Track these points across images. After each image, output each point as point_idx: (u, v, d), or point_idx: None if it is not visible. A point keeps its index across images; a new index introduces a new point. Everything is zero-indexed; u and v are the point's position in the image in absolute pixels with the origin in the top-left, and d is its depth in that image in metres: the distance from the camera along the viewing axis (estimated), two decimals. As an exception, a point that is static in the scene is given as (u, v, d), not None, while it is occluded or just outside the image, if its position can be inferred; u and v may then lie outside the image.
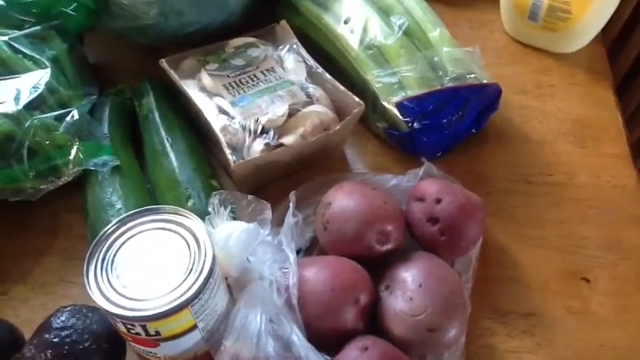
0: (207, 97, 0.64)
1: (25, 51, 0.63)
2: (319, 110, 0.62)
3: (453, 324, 0.50)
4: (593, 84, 0.76)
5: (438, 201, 0.55)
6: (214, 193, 0.53)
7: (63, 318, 0.50)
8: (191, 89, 0.64)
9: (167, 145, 0.62)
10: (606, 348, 0.54)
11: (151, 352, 0.46)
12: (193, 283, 0.43)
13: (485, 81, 0.65)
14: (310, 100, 0.63)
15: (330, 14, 0.71)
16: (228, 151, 0.58)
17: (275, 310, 0.49)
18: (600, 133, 0.71)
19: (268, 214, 0.53)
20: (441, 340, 0.50)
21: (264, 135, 0.60)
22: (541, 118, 0.72)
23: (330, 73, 0.65)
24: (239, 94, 0.63)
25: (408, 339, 0.50)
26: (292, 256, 0.51)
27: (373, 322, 0.52)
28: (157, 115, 0.65)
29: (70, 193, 0.62)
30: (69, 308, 0.51)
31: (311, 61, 0.67)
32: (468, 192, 0.57)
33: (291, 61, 0.67)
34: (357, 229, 0.54)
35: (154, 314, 0.42)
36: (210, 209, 0.52)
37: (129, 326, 0.43)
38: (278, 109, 0.61)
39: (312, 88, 0.64)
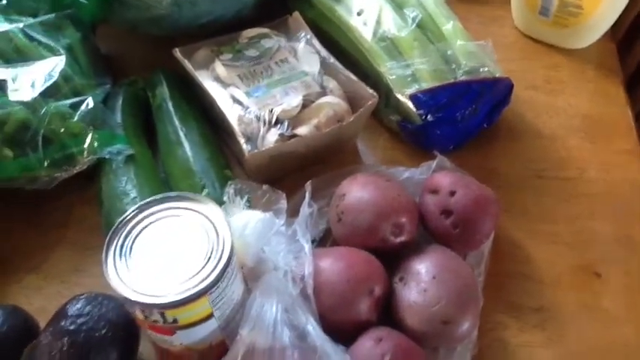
0: (222, 87, 0.64)
1: (40, 38, 0.63)
2: (333, 101, 0.62)
3: (467, 317, 0.50)
4: (603, 80, 0.76)
5: (452, 193, 0.55)
6: (229, 182, 0.53)
7: (79, 305, 0.50)
8: (205, 79, 0.64)
9: (181, 134, 0.62)
10: (617, 344, 0.54)
11: (167, 340, 0.46)
12: (212, 271, 0.43)
13: (497, 75, 0.65)
14: (324, 92, 0.63)
15: (342, 6, 0.71)
16: (242, 141, 0.58)
17: (290, 300, 0.49)
18: (611, 129, 0.71)
19: (283, 203, 0.53)
20: (455, 333, 0.50)
21: (279, 125, 0.60)
22: (552, 113, 0.72)
23: (343, 66, 0.65)
24: (253, 84, 0.63)
25: (422, 331, 0.50)
26: (307, 247, 0.52)
27: (387, 313, 0.52)
28: (170, 104, 0.65)
29: (83, 185, 0.63)
30: (84, 296, 0.51)
31: (324, 53, 0.67)
32: (482, 185, 0.57)
33: (305, 53, 0.67)
34: (371, 221, 0.54)
35: (172, 301, 0.42)
36: (225, 199, 0.52)
37: (147, 313, 0.43)
38: (292, 100, 0.61)
39: (325, 80, 0.64)
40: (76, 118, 0.60)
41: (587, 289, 0.57)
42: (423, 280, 0.51)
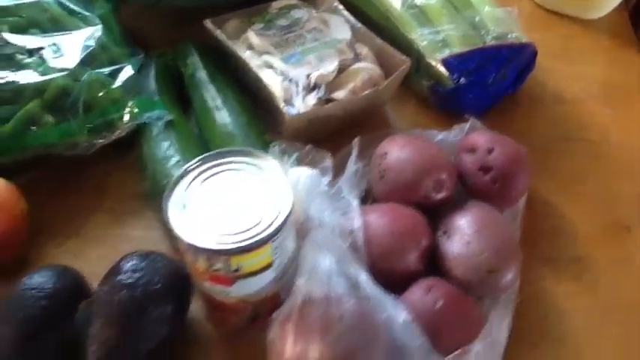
0: (256, 55, 0.65)
1: (75, 8, 0.64)
2: (368, 66, 0.63)
3: (510, 267, 0.52)
4: (619, 48, 0.79)
5: (490, 151, 0.57)
6: (273, 143, 0.54)
7: (133, 262, 0.50)
8: (238, 49, 0.65)
9: (218, 101, 0.63)
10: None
11: (224, 292, 0.48)
12: (275, 219, 0.44)
13: (524, 41, 0.67)
14: (357, 58, 0.65)
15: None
16: (282, 104, 0.59)
17: (340, 253, 0.50)
18: (629, 94, 0.73)
19: (329, 162, 0.55)
20: (499, 282, 0.52)
21: (316, 90, 0.61)
22: (571, 80, 0.74)
23: (372, 34, 0.67)
24: (287, 52, 0.64)
25: (468, 280, 0.52)
26: (355, 202, 0.53)
27: (432, 266, 0.54)
28: (204, 73, 0.66)
29: (120, 153, 0.63)
30: (137, 253, 0.52)
31: (353, 20, 0.68)
32: (516, 143, 0.59)
33: (335, 22, 0.68)
34: (413, 178, 0.55)
35: (239, 247, 0.43)
36: (271, 159, 0.53)
37: (211, 262, 0.44)
38: (328, 65, 0.62)
39: (357, 47, 0.66)
40: (115, 85, 0.61)
41: (618, 243, 0.60)
42: (466, 233, 0.53)
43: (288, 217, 0.45)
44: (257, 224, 0.44)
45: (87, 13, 0.64)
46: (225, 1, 0.73)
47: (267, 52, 0.65)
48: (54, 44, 0.61)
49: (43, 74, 0.59)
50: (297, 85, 0.61)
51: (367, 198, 0.60)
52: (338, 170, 0.56)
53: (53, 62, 0.60)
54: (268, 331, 0.48)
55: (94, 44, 0.62)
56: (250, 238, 0.43)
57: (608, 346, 0.53)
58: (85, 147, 0.60)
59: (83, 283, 0.53)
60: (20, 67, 0.59)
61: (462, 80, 0.63)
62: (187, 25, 0.70)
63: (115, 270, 0.50)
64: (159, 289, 0.49)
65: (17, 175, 0.59)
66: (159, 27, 0.80)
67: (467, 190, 0.59)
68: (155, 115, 0.61)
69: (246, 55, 0.65)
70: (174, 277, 0.51)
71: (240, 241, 0.43)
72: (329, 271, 0.49)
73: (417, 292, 0.50)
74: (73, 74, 0.60)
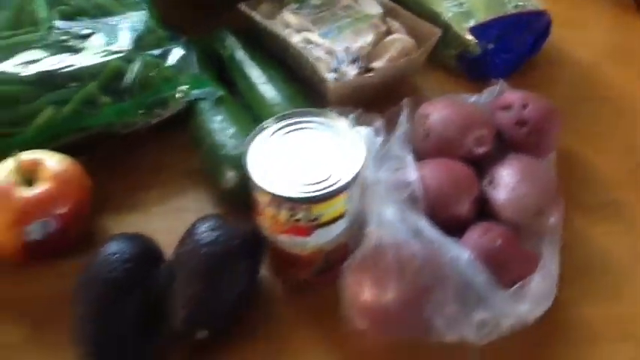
0: (294, 33, 0.69)
1: (116, -5, 0.67)
2: (401, 37, 0.68)
3: (553, 209, 0.56)
4: (621, 15, 0.84)
5: (525, 106, 0.61)
6: (327, 108, 0.58)
7: (209, 223, 0.53)
8: (276, 28, 0.69)
9: (262, 77, 0.66)
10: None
11: (302, 243, 0.51)
12: (350, 170, 0.48)
13: (540, 8, 0.72)
14: (389, 31, 0.69)
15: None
16: (326, 74, 0.63)
17: (400, 204, 0.54)
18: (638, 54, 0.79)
19: (379, 123, 0.58)
20: (545, 223, 0.56)
21: (356, 62, 0.65)
22: (584, 45, 0.79)
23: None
24: (325, 28, 0.68)
25: (516, 222, 0.56)
26: (409, 156, 0.57)
27: (481, 214, 0.58)
28: (243, 52, 0.70)
29: (170, 132, 0.66)
30: (209, 216, 0.55)
31: (382, -3, 0.72)
32: (546, 99, 0.63)
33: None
34: (457, 135, 0.60)
35: (321, 194, 0.47)
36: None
37: (294, 211, 0.48)
38: (365, 38, 0.66)
39: (388, 20, 0.70)
40: (166, 65, 0.64)
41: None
42: (511, 181, 0.57)
43: (361, 168, 0.48)
44: (333, 175, 0.48)
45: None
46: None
47: (306, 30, 0.68)
48: (104, 29, 0.64)
49: (97, 58, 0.62)
50: (338, 58, 0.65)
51: (411, 157, 0.64)
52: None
53: (106, 46, 0.63)
54: (341, 277, 0.52)
55: (142, 28, 0.65)
56: (329, 186, 0.47)
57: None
58: (141, 125, 0.63)
59: (156, 247, 0.56)
60: (75, 51, 0.62)
61: (490, 46, 0.68)
62: (216, 14, 0.73)
63: (191, 232, 0.53)
64: (237, 246, 0.52)
65: (77, 154, 0.62)
66: (190, 16, 0.83)
67: (504, 144, 0.63)
68: (206, 92, 0.64)
69: (286, 32, 0.68)
70: (249, 235, 0.54)
71: (321, 190, 0.47)
72: (393, 220, 0.53)
73: (476, 233, 0.54)
74: (127, 56, 0.62)
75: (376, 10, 0.71)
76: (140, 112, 0.63)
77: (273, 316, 0.55)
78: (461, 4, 0.71)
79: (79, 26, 0.64)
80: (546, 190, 0.57)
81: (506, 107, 0.63)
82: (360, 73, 0.65)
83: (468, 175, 0.58)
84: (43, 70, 0.61)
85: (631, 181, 0.64)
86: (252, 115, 0.65)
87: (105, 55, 0.62)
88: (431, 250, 0.51)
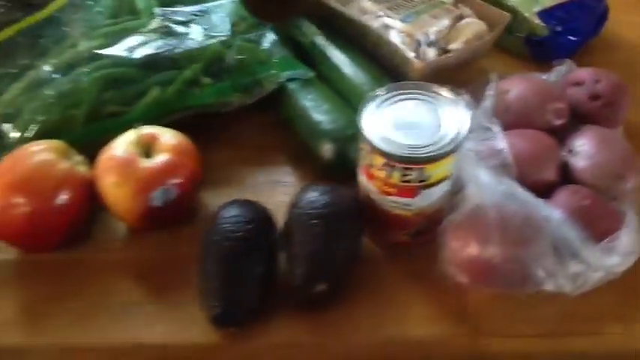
0: (372, 18, 0.73)
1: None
2: (475, 21, 0.72)
3: (632, 172, 0.61)
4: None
5: (597, 81, 0.66)
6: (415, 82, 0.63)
7: (317, 191, 0.58)
8: (354, 14, 0.74)
9: (346, 60, 0.71)
10: None
11: (407, 204, 0.55)
12: (459, 133, 0.52)
13: (601, -8, 0.77)
14: (462, 16, 0.74)
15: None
16: (410, 54, 0.68)
17: (493, 170, 0.59)
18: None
19: (466, 97, 0.63)
20: (625, 187, 0.61)
21: (433, 45, 0.70)
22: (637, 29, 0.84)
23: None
24: (403, 13, 0.73)
25: (597, 186, 0.60)
26: (497, 127, 0.61)
27: (562, 180, 0.62)
28: (322, 38, 0.74)
29: (261, 111, 0.70)
30: (314, 184, 0.59)
31: (452, -15, 0.77)
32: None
33: (436, -13, 0.77)
34: (536, 107, 0.64)
35: (437, 154, 0.51)
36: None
37: (407, 172, 0.52)
38: (442, 22, 0.71)
39: (460, 6, 0.75)
40: (261, 48, 0.69)
41: None
42: (591, 150, 0.62)
43: (466, 133, 0.53)
44: (442, 138, 0.52)
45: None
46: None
47: (384, 15, 0.73)
48: (201, 16, 0.69)
49: (198, 42, 0.67)
50: (419, 41, 0.70)
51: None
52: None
53: (205, 31, 0.67)
54: (439, 237, 0.56)
55: (234, 15, 0.70)
56: (442, 147, 0.52)
57: None
58: (238, 105, 0.68)
59: (269, 214, 0.60)
60: (177, 36, 0.67)
61: (558, 29, 0.73)
62: (290, 3, 0.77)
63: (302, 197, 0.58)
64: (345, 208, 0.57)
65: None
66: (264, 5, 0.87)
67: (576, 118, 0.68)
68: (298, 73, 0.69)
69: (365, 18, 0.73)
70: (353, 200, 0.58)
71: (435, 150, 0.51)
72: (489, 183, 0.57)
73: (564, 195, 0.59)
74: (226, 41, 0.67)
75: (446, -3, 0.76)
76: (237, 92, 0.67)
77: (376, 273, 0.59)
78: (526, -11, 0.76)
79: (177, 14, 0.69)
80: (623, 156, 0.62)
81: (579, 83, 0.67)
82: (438, 55, 0.70)
83: (552, 143, 0.62)
84: (150, 53, 0.65)
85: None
86: (338, 95, 0.70)
87: (205, 40, 0.67)
88: (527, 209, 0.56)
